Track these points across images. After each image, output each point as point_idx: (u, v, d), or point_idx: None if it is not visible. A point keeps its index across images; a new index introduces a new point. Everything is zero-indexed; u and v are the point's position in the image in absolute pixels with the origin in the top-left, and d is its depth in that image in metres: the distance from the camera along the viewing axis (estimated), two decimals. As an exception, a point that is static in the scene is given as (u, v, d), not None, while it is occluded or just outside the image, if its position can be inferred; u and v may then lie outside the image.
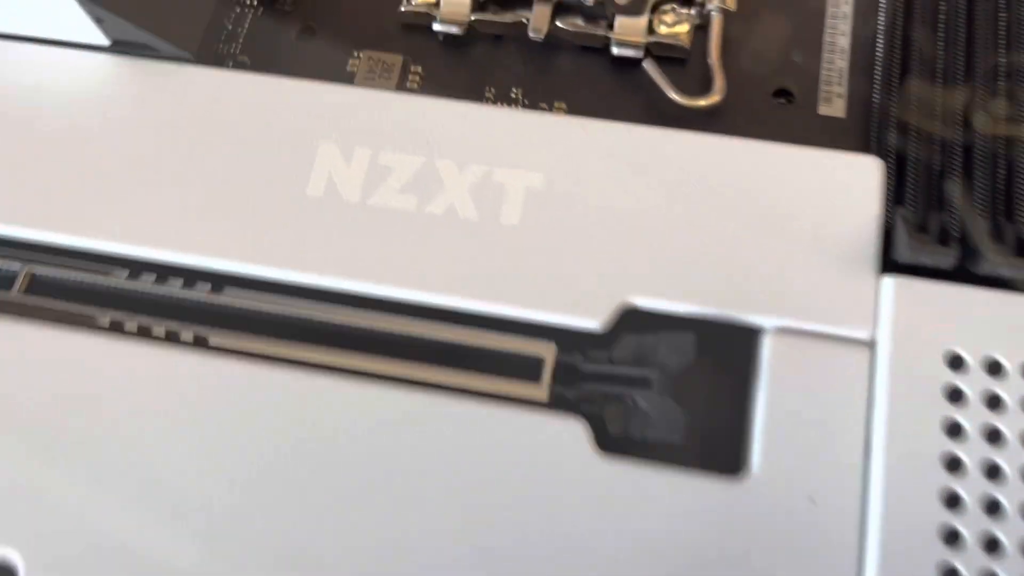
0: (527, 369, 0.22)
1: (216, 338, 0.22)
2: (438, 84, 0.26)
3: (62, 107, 0.24)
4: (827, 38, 0.26)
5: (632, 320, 0.21)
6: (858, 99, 0.25)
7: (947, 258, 0.21)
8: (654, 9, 0.26)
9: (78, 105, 0.24)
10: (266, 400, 0.21)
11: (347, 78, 0.26)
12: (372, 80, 0.26)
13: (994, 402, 0.20)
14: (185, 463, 0.20)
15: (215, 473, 0.20)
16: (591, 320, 0.21)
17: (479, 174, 0.23)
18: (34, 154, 0.23)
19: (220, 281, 0.23)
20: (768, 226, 0.22)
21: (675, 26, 0.26)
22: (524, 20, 0.26)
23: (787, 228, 0.22)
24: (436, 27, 0.26)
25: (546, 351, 0.22)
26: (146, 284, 0.23)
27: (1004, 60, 0.23)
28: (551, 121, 0.24)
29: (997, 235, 0.21)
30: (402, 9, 0.27)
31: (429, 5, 0.26)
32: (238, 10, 0.27)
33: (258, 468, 0.20)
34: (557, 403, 0.21)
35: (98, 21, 0.23)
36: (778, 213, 0.22)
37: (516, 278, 0.22)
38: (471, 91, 0.26)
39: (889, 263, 0.21)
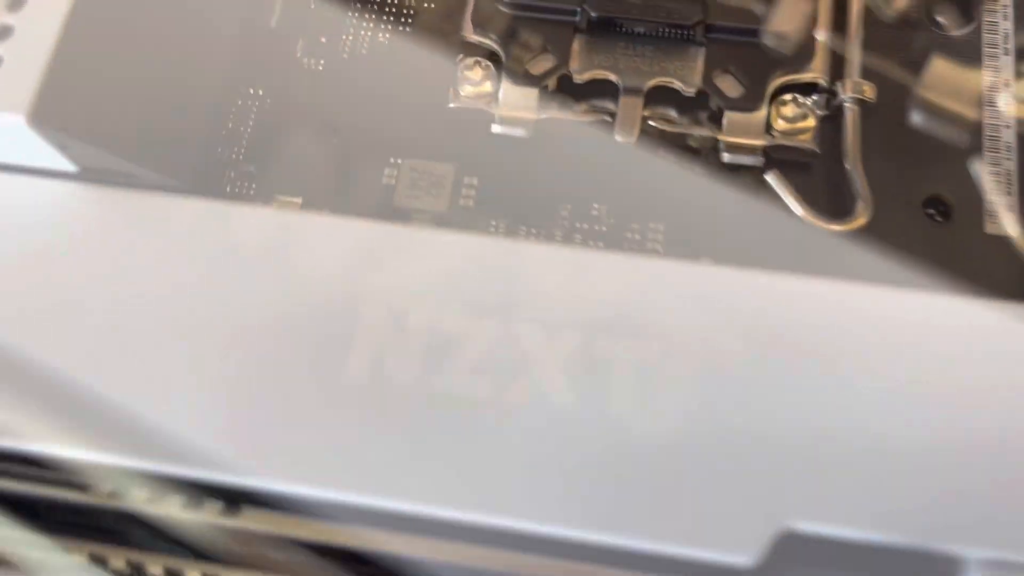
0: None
1: (231, 579, 0.17)
2: (498, 200, 0.21)
3: (12, 250, 0.18)
4: (987, 131, 0.21)
5: (793, 550, 0.16)
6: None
7: None
8: (771, 100, 0.21)
9: (34, 247, 0.18)
10: None
11: (383, 193, 0.21)
12: (416, 196, 0.21)
13: None
14: None
15: None
16: (739, 551, 0.16)
17: (574, 344, 0.17)
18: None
19: (234, 499, 0.17)
20: (967, 420, 0.16)
21: (797, 121, 0.21)
22: (606, 118, 0.21)
23: (991, 423, 0.16)
24: (495, 128, 0.21)
25: (679, 594, 0.16)
26: (136, 502, 0.17)
27: None
28: (667, 268, 0.18)
29: None
30: (451, 105, 0.21)
31: (485, 98, 0.21)
32: (240, 102, 0.22)
33: None
34: (699, 671, 0.16)
35: (61, 148, 0.18)
36: (979, 401, 0.17)
37: (634, 494, 0.16)
38: (541, 208, 0.20)
39: None
